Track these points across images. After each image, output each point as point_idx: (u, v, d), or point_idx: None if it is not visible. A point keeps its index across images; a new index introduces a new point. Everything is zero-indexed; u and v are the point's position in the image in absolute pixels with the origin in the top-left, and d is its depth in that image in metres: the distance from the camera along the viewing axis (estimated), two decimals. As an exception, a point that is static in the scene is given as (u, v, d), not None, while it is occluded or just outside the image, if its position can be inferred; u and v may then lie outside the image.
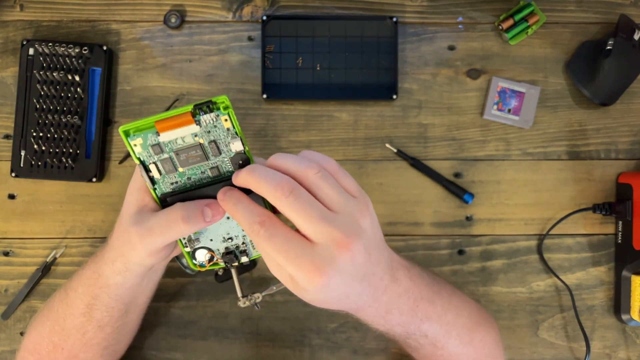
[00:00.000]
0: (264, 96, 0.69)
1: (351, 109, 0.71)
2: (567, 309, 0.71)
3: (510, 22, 0.70)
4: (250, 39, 0.71)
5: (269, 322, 0.70)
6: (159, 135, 0.41)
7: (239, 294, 0.67)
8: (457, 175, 0.71)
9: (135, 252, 0.46)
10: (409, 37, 0.71)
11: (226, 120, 0.41)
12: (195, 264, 0.48)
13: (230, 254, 0.47)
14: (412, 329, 0.50)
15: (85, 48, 0.67)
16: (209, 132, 0.42)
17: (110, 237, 0.50)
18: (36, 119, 0.67)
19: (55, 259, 0.69)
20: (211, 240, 0.46)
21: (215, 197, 0.44)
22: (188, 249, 0.47)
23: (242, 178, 0.41)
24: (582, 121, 0.72)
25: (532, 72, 0.71)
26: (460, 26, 0.72)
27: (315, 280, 0.39)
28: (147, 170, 0.43)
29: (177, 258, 0.67)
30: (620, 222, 0.69)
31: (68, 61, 0.67)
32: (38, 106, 0.67)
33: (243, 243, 0.47)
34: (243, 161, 0.43)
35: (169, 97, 0.70)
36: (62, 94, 0.68)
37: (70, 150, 0.67)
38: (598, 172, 0.71)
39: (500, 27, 0.70)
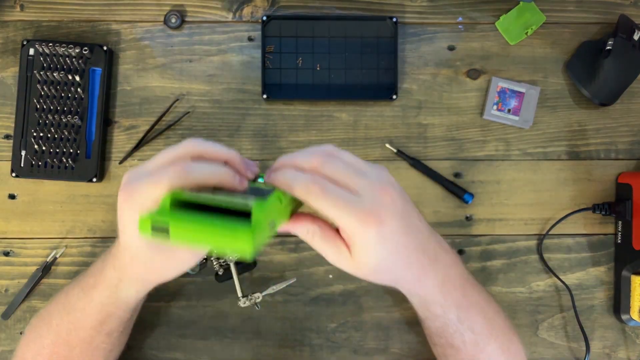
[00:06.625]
0: (264, 96, 0.69)
1: (351, 109, 0.71)
2: (567, 309, 0.71)
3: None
4: (250, 39, 0.71)
5: (269, 322, 0.70)
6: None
7: (239, 293, 0.67)
8: (456, 175, 0.71)
9: (182, 267, 0.47)
10: (408, 38, 0.71)
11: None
12: None
13: None
14: (462, 317, 0.52)
15: (86, 48, 0.67)
16: None
17: (121, 271, 0.49)
18: (36, 119, 0.67)
19: (55, 258, 0.69)
20: None
21: None
22: None
23: (276, 181, 0.42)
24: (582, 121, 0.72)
25: (532, 72, 0.72)
26: (460, 26, 0.72)
27: (370, 223, 0.41)
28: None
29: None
30: (620, 222, 0.69)
31: (68, 61, 0.67)
32: (38, 106, 0.67)
33: None
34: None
35: (169, 97, 0.70)
36: (63, 94, 0.68)
37: (71, 150, 0.68)
38: (598, 172, 0.72)
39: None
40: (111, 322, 0.54)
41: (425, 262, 0.47)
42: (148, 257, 0.45)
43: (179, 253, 0.45)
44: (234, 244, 0.35)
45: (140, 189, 0.41)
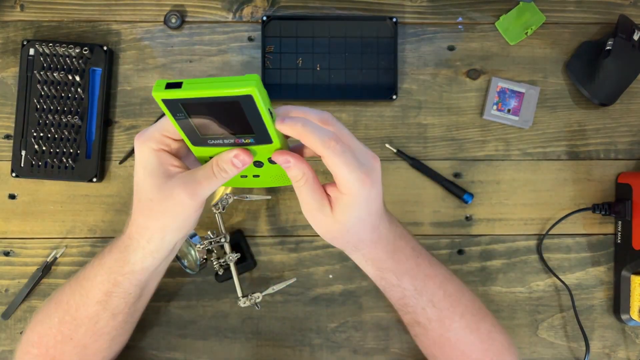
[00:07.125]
0: (264, 96, 0.69)
1: (351, 109, 0.71)
2: (567, 309, 0.71)
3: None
4: (250, 39, 0.71)
5: (269, 322, 0.70)
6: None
7: (239, 293, 0.67)
8: (456, 175, 0.71)
9: (180, 212, 0.48)
10: (408, 38, 0.71)
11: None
12: None
13: None
14: (419, 287, 0.53)
15: (86, 48, 0.67)
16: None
17: (130, 226, 0.51)
18: (37, 119, 0.67)
19: (55, 258, 0.69)
20: None
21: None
22: None
23: (293, 128, 0.43)
24: (582, 121, 0.72)
25: (532, 73, 0.72)
26: (460, 26, 0.72)
27: (367, 184, 0.45)
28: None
29: (178, 258, 0.67)
30: (620, 222, 0.69)
31: (68, 61, 0.67)
32: (38, 106, 0.67)
33: None
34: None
35: (169, 97, 0.70)
36: (63, 94, 0.68)
37: (71, 151, 0.68)
38: (597, 172, 0.72)
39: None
40: (117, 297, 0.54)
41: (382, 228, 0.50)
42: (149, 196, 0.47)
43: (176, 191, 0.46)
44: (239, 86, 0.39)
45: (151, 126, 0.47)
